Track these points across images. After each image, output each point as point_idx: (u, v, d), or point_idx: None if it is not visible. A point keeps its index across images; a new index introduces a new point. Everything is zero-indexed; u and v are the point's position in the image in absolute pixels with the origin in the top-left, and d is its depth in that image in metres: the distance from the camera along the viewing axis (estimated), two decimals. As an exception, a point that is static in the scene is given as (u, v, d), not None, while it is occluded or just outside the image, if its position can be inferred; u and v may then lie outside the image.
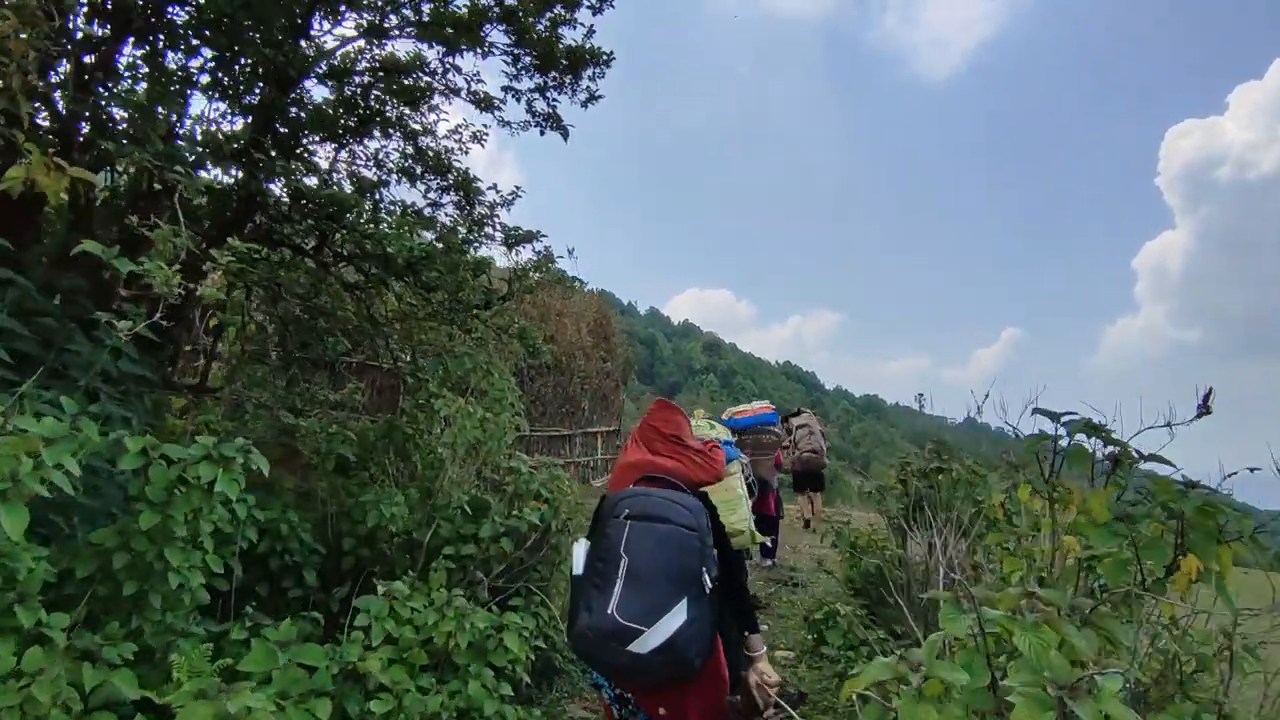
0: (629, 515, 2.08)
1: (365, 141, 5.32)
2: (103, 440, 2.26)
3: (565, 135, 4.56)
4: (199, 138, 3.63)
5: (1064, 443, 1.80)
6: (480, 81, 4.62)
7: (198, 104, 5.42)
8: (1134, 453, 1.74)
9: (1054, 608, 1.23)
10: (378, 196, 4.76)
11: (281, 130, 4.52)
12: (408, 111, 5.21)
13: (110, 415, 2.91)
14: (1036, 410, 1.81)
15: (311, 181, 4.67)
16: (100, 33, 3.52)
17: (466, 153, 5.47)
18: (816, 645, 4.18)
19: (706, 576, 1.98)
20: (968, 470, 2.92)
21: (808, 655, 4.23)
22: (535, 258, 4.68)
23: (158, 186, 3.81)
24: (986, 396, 3.00)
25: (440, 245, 4.24)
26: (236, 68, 4.19)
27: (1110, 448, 1.74)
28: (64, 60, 3.19)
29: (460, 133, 5.49)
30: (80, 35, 3.07)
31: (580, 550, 2.16)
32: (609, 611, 1.94)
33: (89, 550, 2.32)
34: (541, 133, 4.59)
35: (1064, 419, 1.75)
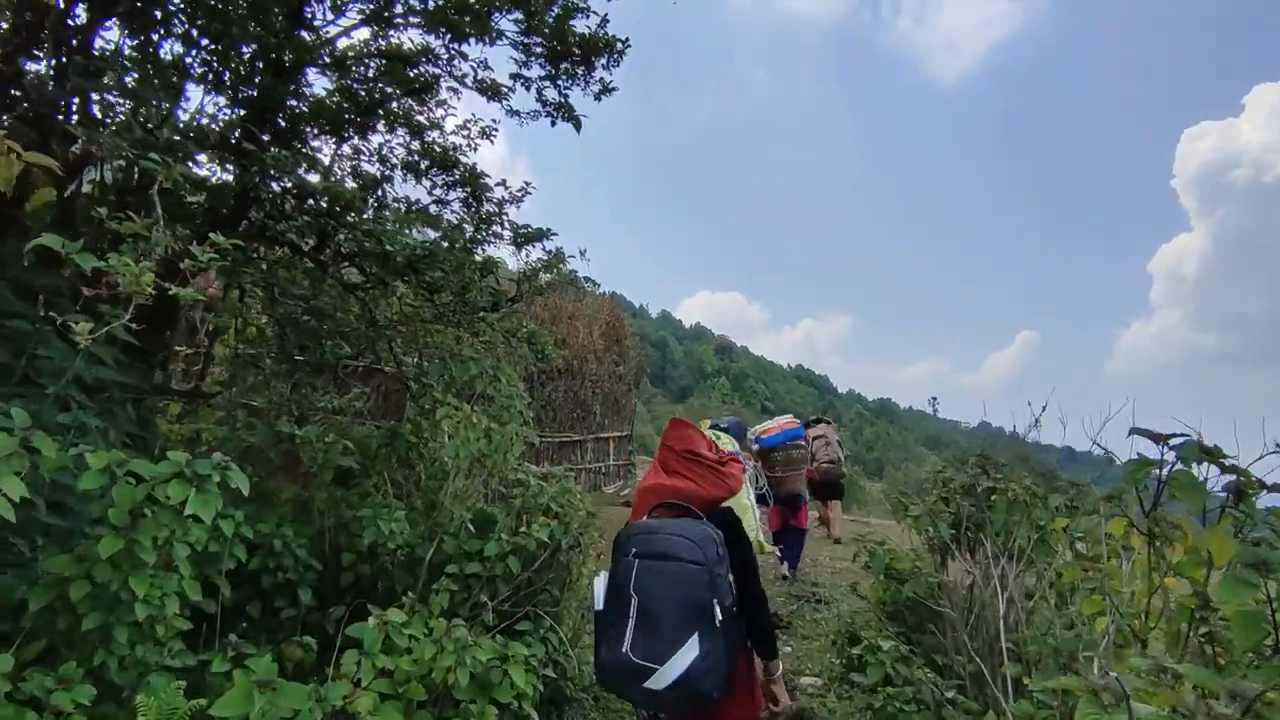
0: (637, 554, 2.11)
1: (369, 136, 5.11)
2: (61, 455, 2.03)
3: (578, 126, 4.30)
4: (184, 125, 3.39)
5: (1160, 469, 1.52)
6: (488, 69, 4.37)
7: (195, 100, 5.23)
8: (1257, 482, 1.45)
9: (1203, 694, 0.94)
10: (381, 193, 4.52)
11: (280, 123, 4.31)
12: (413, 105, 4.98)
13: (84, 425, 2.68)
14: (1135, 430, 1.53)
15: (313, 179, 4.46)
16: (83, 18, 3.32)
17: (475, 149, 5.24)
18: (846, 672, 3.90)
19: (718, 609, 2.00)
20: (1025, 490, 2.62)
21: (837, 683, 3.94)
22: (545, 257, 4.42)
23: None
24: (1045, 408, 2.72)
25: (445, 244, 3.98)
26: (231, 54, 3.98)
27: (1229, 476, 1.45)
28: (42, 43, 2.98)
29: (469, 128, 5.26)
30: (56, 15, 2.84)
31: (600, 585, 2.20)
32: (623, 650, 2.02)
33: (47, 578, 2.09)
34: (553, 123, 4.34)
35: (1171, 441, 1.47)
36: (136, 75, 3.80)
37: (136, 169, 3.51)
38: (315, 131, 4.78)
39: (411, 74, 4.30)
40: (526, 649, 3.06)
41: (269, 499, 4.00)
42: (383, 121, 4.92)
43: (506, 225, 4.72)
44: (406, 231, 3.83)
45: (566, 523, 3.74)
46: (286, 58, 3.99)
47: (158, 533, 2.10)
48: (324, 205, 4.25)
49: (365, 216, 3.90)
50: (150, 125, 3.18)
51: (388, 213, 3.91)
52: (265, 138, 4.17)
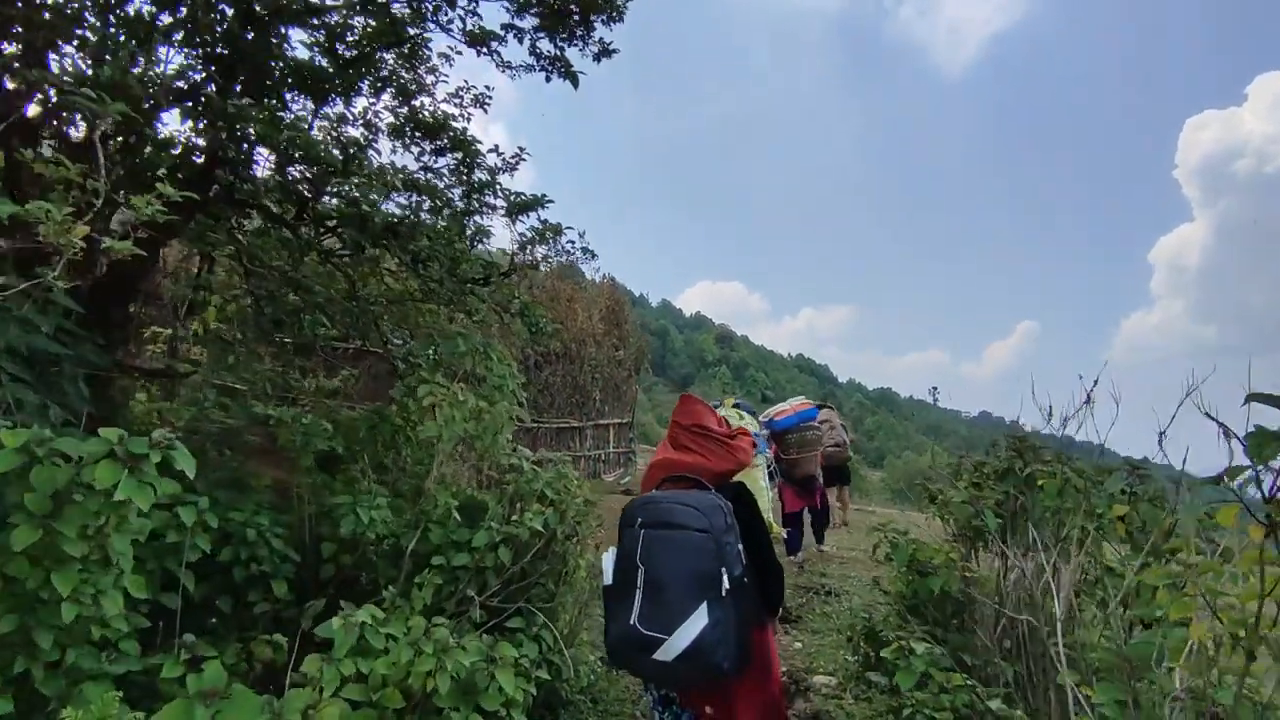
0: (643, 523, 2.09)
1: (354, 100, 4.80)
2: (-28, 432, 1.75)
3: (575, 82, 3.98)
4: (143, 76, 3.08)
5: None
6: (475, 15, 4.03)
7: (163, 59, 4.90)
8: None
9: None
10: (366, 158, 4.20)
11: (257, 83, 4.00)
12: (401, 69, 4.67)
13: (23, 402, 2.39)
14: (1253, 397, 1.24)
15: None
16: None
17: (469, 119, 4.95)
18: (863, 671, 3.64)
19: (726, 577, 1.97)
20: (1078, 474, 2.33)
21: (853, 682, 3.67)
22: (540, 226, 4.12)
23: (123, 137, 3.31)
24: (1095, 383, 2.43)
25: (427, 208, 3.67)
26: (200, 6, 3.66)
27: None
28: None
29: (461, 96, 4.96)
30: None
31: (608, 560, 2.18)
32: (631, 622, 1.98)
33: (-41, 574, 1.81)
34: (547, 78, 4.01)
35: (1306, 408, 1.18)
36: (96, 24, 3.50)
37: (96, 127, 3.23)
38: (295, 93, 4.48)
39: (395, 25, 3.96)
40: (517, 649, 2.79)
41: (246, 484, 3.74)
42: (368, 83, 4.62)
43: (499, 194, 4.42)
44: (381, 187, 3.51)
45: (562, 511, 3.46)
46: (260, 9, 3.67)
47: (87, 522, 1.81)
48: (303, 172, 3.96)
49: (355, 181, 3.56)
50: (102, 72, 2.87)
51: (369, 177, 3.57)
52: (244, 100, 3.87)
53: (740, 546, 2.09)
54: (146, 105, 2.99)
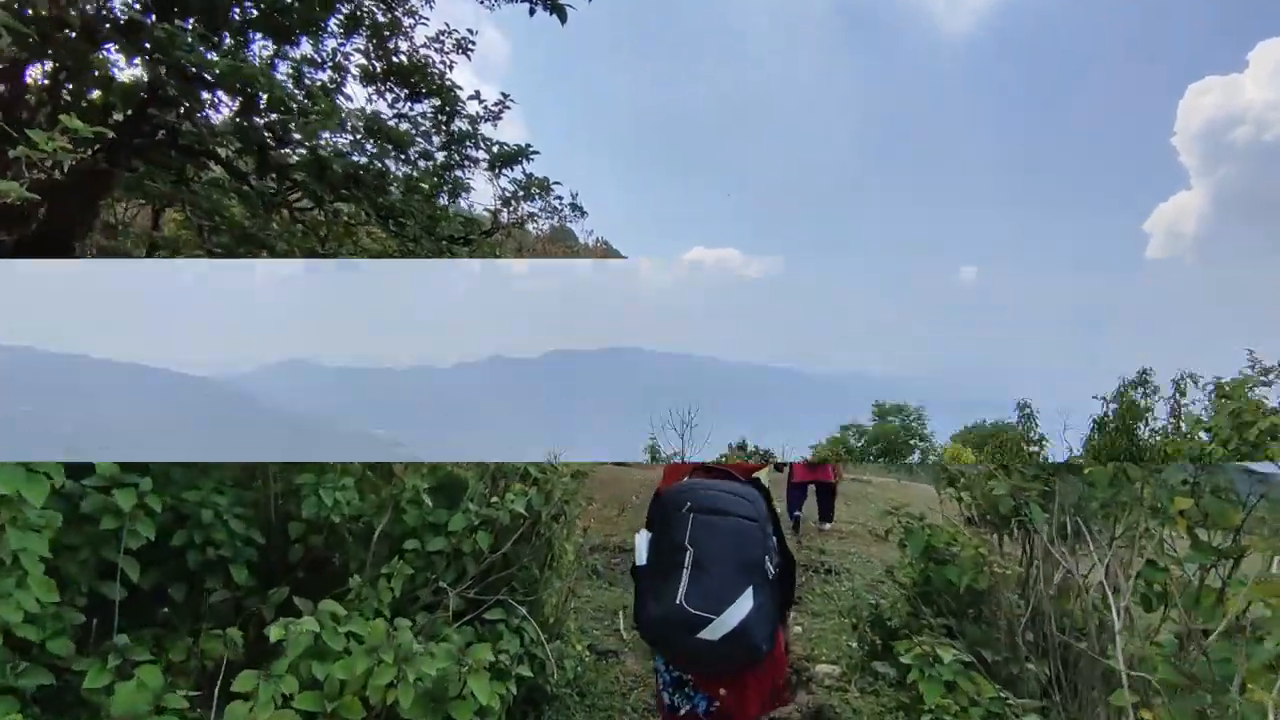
0: (692, 508, 2.09)
1: (323, 41, 4.39)
2: None
3: (563, 17, 3.57)
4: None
5: None
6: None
7: None
8: None
9: None
10: (331, 100, 3.81)
11: (207, 18, 3.60)
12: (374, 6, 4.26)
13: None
14: None
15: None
16: None
17: (451, 67, 4.56)
18: (868, 660, 3.42)
19: (769, 564, 2.04)
20: (1137, 466, 2.06)
21: (857, 673, 3.45)
22: (525, 180, 3.77)
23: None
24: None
25: (394, 155, 3.31)
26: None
27: None
28: None
29: (442, 40, 4.56)
30: None
31: (642, 541, 2.19)
32: (677, 601, 1.97)
33: None
34: (531, 11, 3.61)
35: None
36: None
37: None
38: (257, 33, 4.07)
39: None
40: (496, 642, 2.55)
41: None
42: (336, 21, 4.21)
43: (481, 145, 4.06)
44: (360, 142, 3.15)
45: (548, 490, 3.20)
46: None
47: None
48: (269, 120, 3.59)
49: (307, 119, 3.19)
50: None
51: (326, 114, 3.19)
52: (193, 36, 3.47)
53: (775, 539, 2.15)
54: (67, 33, 2.61)
